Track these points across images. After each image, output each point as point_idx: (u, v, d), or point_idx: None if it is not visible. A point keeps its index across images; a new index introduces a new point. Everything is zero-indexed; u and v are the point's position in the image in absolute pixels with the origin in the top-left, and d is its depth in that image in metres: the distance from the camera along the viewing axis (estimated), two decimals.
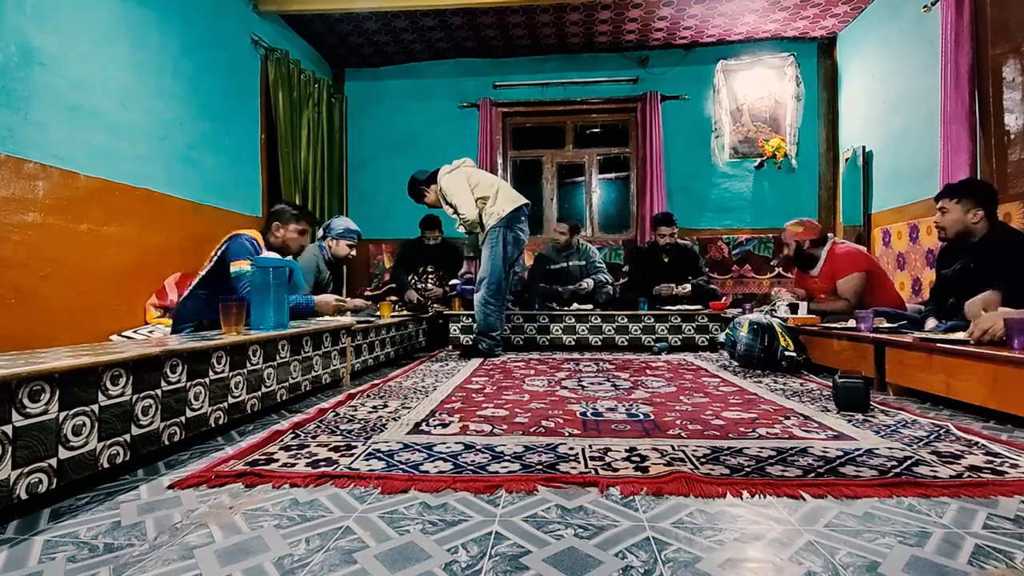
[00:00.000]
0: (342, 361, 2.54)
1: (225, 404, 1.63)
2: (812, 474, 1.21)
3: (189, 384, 1.47)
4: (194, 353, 1.48)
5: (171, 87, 3.17)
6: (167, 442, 1.38)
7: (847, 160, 4.66)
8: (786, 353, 2.71)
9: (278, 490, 1.16)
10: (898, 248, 3.98)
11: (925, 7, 3.54)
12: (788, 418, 1.74)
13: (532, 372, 2.84)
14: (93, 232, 2.64)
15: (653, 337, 3.91)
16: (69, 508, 1.08)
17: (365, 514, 1.03)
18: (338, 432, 1.62)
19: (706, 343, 3.89)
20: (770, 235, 5.01)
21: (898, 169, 4.04)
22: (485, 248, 3.43)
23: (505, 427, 1.67)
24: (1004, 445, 1.42)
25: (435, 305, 4.37)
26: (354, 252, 3.44)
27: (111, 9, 2.76)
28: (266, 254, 2.45)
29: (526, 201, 3.52)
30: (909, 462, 1.29)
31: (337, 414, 1.87)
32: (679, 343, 3.90)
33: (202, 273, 2.31)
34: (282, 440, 1.54)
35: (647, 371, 2.84)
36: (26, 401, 1.00)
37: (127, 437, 1.24)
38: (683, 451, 1.39)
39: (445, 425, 1.70)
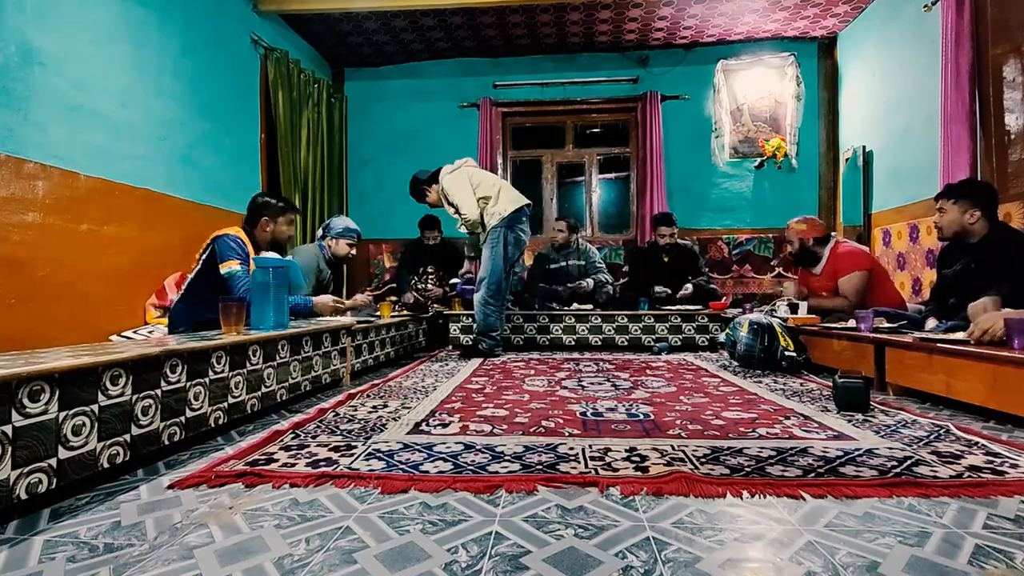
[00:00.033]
0: (342, 361, 2.54)
1: (225, 404, 1.63)
2: (812, 474, 1.21)
3: (189, 384, 1.47)
4: (194, 353, 1.48)
5: (171, 87, 3.17)
6: (167, 442, 1.38)
7: (847, 160, 4.66)
8: (786, 353, 2.71)
9: (278, 490, 1.16)
10: (898, 248, 3.98)
11: (925, 7, 3.53)
12: (788, 418, 1.74)
13: (532, 372, 2.84)
14: (93, 232, 2.64)
15: (653, 337, 3.91)
16: (69, 508, 1.08)
17: (365, 514, 1.03)
18: (338, 432, 1.62)
19: (706, 343, 3.89)
20: (770, 235, 5.01)
21: (898, 169, 4.04)
22: (486, 248, 3.43)
23: (505, 427, 1.67)
24: (1004, 445, 1.42)
25: (435, 305, 4.37)
26: (354, 251, 3.44)
27: (111, 9, 2.76)
28: (266, 254, 2.45)
29: (527, 201, 3.52)
30: (909, 462, 1.29)
31: (337, 414, 1.87)
32: (679, 343, 3.90)
33: (191, 276, 2.31)
34: (282, 440, 1.54)
35: (647, 371, 2.84)
36: (26, 401, 1.00)
37: (127, 437, 1.24)
38: (683, 451, 1.39)
39: (445, 425, 1.70)
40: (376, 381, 2.58)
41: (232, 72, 3.77)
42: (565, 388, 2.35)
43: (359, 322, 2.78)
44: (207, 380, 1.55)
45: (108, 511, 1.06)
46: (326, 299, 2.78)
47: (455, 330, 4.05)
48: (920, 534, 0.92)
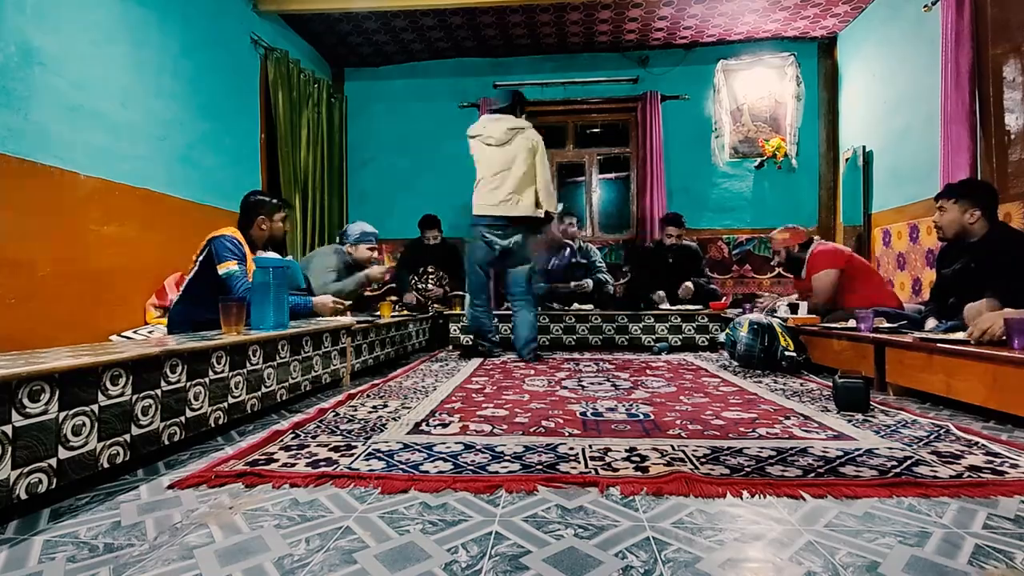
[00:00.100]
0: (342, 361, 2.54)
1: (225, 404, 1.63)
2: (812, 474, 1.21)
3: (189, 384, 1.47)
4: (194, 353, 1.48)
5: (171, 87, 3.17)
6: (167, 442, 1.38)
7: (847, 160, 4.66)
8: (786, 353, 2.71)
9: (278, 490, 1.16)
10: (898, 248, 3.98)
11: (925, 7, 3.53)
12: (788, 418, 1.74)
13: (532, 372, 2.84)
14: (93, 232, 2.64)
15: (653, 337, 3.91)
16: (69, 508, 1.08)
17: (365, 514, 1.03)
18: (338, 432, 1.62)
19: (706, 343, 3.89)
20: (770, 235, 5.01)
21: (898, 169, 4.04)
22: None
23: (505, 427, 1.67)
24: (1004, 445, 1.42)
25: (435, 305, 4.37)
26: (376, 253, 3.51)
27: (111, 9, 2.76)
28: (266, 253, 2.45)
29: (498, 213, 3.23)
30: (909, 462, 1.29)
31: (337, 414, 1.87)
32: (679, 343, 3.91)
33: (188, 278, 2.31)
34: (282, 440, 1.54)
35: (647, 371, 2.84)
36: (26, 401, 1.00)
37: (127, 437, 1.24)
38: (683, 451, 1.39)
39: (445, 425, 1.70)
40: (376, 381, 2.58)
41: (232, 72, 3.77)
42: (565, 388, 2.35)
43: (359, 322, 2.78)
44: (207, 380, 1.54)
45: (108, 511, 1.06)
46: (326, 299, 2.78)
47: (455, 330, 4.05)
48: (920, 534, 0.92)
